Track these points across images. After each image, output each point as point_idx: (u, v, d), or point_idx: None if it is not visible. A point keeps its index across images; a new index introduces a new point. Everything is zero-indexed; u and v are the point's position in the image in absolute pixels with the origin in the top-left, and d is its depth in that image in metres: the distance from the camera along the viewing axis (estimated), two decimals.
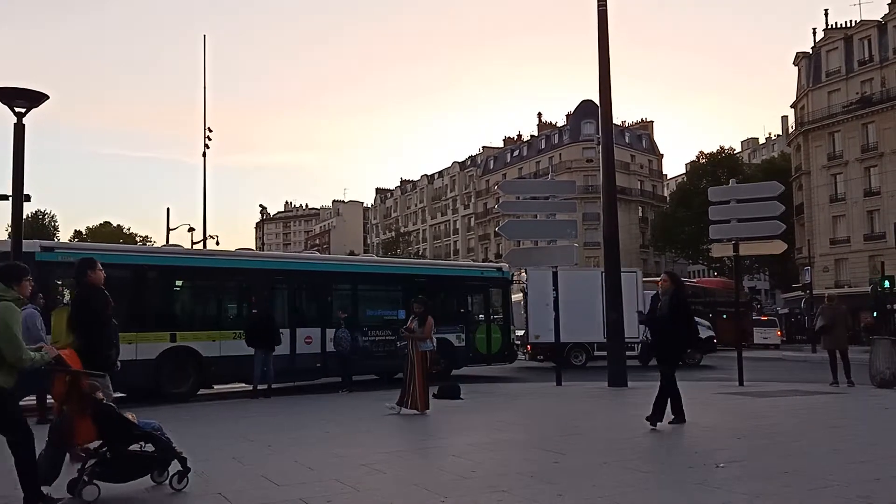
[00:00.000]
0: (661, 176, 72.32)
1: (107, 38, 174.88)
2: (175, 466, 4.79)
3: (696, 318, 22.30)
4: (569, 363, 19.04)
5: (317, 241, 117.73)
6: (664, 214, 57.52)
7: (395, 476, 5.28)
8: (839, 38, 45.05)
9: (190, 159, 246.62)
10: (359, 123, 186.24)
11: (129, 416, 4.76)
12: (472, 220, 76.23)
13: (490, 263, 17.32)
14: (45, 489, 4.34)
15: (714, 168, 51.92)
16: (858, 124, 43.45)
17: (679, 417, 7.49)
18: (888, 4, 43.03)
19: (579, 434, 7.26)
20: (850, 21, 45.67)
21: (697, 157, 58.04)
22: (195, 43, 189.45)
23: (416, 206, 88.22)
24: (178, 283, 13.21)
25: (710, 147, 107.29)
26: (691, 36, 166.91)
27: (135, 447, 4.72)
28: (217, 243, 33.45)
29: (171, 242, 36.21)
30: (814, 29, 48.01)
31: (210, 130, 32.17)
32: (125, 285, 11.65)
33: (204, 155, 32.03)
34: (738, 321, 16.69)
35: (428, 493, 4.62)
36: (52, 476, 4.56)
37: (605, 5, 12.91)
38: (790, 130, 57.50)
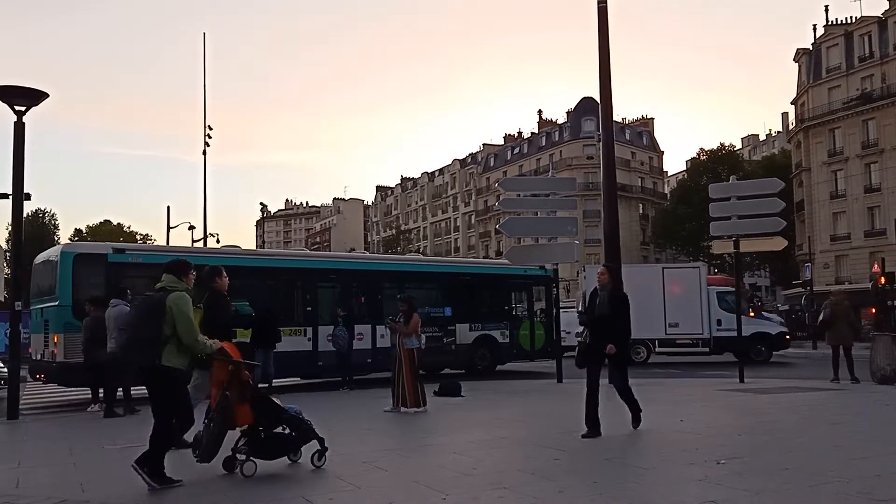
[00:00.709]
0: (662, 173, 72.25)
1: (107, 37, 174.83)
2: (314, 446, 5.39)
3: (767, 314, 22.34)
4: (630, 360, 18.79)
5: (317, 239, 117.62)
6: (665, 211, 57.48)
7: (397, 473, 5.29)
8: (839, 34, 44.95)
9: (190, 158, 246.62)
10: (359, 122, 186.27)
11: (277, 401, 5.39)
12: (473, 217, 76.17)
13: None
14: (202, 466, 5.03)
15: (715, 165, 51.83)
16: (859, 121, 43.38)
17: (594, 429, 6.60)
18: (888, 0, 42.94)
19: (580, 431, 7.26)
20: (851, 17, 45.59)
21: (698, 154, 57.92)
22: (195, 41, 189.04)
23: (416, 203, 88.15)
24: (255, 282, 13.58)
25: (711, 144, 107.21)
26: (691, 33, 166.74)
27: (278, 429, 5.32)
28: (217, 241, 33.40)
29: (171, 241, 36.39)
30: (814, 25, 47.98)
31: (210, 128, 32.09)
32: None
33: (204, 153, 31.97)
34: (738, 318, 16.63)
35: (429, 490, 4.63)
36: (213, 453, 5.09)
37: (606, 2, 12.87)
38: (790, 127, 57.42)
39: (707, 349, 19.98)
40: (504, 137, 77.28)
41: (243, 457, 5.12)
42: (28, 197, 9.22)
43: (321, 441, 5.39)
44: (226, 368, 5.16)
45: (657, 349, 20.01)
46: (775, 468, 5.08)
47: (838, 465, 5.18)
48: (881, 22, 43.12)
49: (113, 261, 11.65)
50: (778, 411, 8.50)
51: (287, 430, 5.32)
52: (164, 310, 4.79)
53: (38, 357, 12.26)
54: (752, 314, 20.61)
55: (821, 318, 12.54)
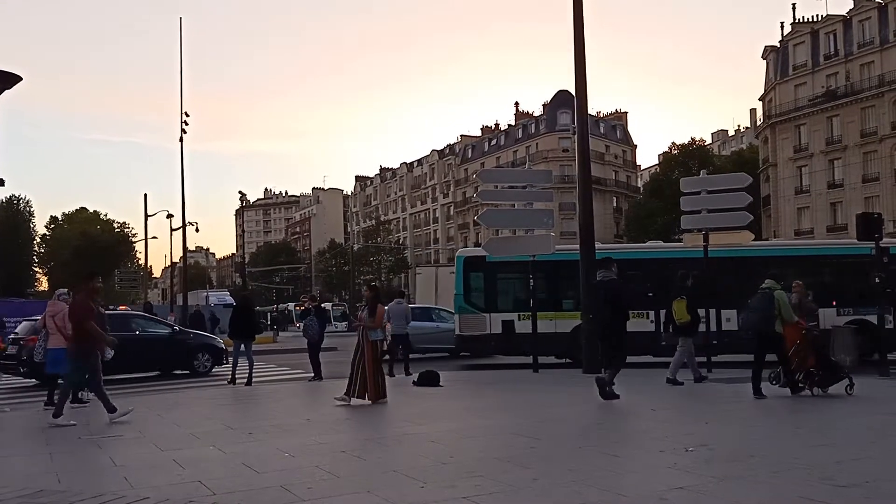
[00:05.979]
0: (635, 167, 73.24)
1: (84, 20, 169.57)
2: (845, 382, 8.50)
3: None
4: None
5: (297, 229, 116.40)
6: (638, 204, 58.23)
7: (375, 462, 5.34)
8: (806, 32, 45.91)
9: (169, 144, 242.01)
10: (339, 111, 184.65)
11: (826, 353, 9.08)
12: (452, 208, 76.20)
13: None
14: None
15: (686, 159, 52.67)
16: (823, 117, 44.46)
17: None
18: (853, 0, 44.01)
19: (554, 420, 7.41)
20: (817, 15, 46.61)
21: (670, 149, 58.83)
22: (175, 26, 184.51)
23: (395, 194, 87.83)
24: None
25: (683, 138, 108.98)
26: (664, 28, 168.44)
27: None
28: (196, 230, 33.03)
29: (149, 229, 36.07)
30: (782, 23, 48.90)
31: (187, 115, 31.24)
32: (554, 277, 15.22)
33: (181, 140, 31.11)
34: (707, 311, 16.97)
35: (407, 478, 4.70)
36: (796, 383, 8.76)
37: None
38: (758, 123, 58.62)
39: None
40: (482, 129, 77.35)
41: (804, 385, 8.59)
42: (2, 183, 8.95)
43: (850, 378, 8.44)
44: (799, 332, 8.62)
45: None
46: (741, 455, 5.26)
47: (801, 452, 5.38)
48: (846, 21, 44.16)
49: (490, 260, 14.76)
50: (743, 400, 8.76)
51: (825, 372, 8.49)
52: (774, 300, 8.51)
53: None
54: None
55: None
